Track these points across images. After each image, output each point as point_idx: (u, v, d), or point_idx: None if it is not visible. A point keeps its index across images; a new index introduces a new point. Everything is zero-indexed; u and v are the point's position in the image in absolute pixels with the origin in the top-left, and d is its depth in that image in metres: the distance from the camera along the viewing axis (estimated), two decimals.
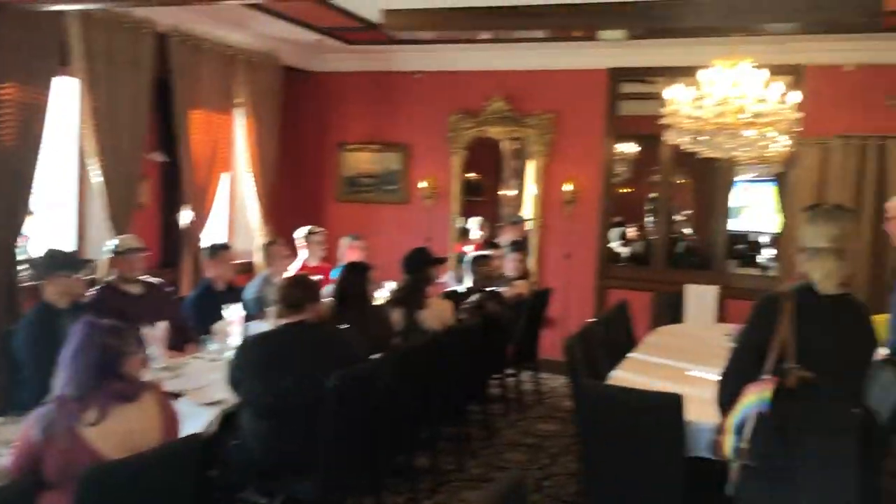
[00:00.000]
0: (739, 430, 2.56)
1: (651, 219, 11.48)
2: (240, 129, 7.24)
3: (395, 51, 7.75)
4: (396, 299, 4.57)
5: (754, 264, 9.19)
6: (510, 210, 9.79)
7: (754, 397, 2.55)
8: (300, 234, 6.34)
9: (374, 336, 4.03)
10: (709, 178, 7.33)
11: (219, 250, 5.28)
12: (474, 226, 8.69)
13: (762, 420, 2.52)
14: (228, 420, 3.40)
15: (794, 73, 6.74)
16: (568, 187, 7.49)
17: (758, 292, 6.70)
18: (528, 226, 7.75)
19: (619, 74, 7.36)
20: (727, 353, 2.84)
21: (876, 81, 6.53)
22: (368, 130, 8.20)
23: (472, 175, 9.75)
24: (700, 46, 6.24)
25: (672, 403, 3.19)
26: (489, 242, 6.73)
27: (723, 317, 6.89)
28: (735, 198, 11.60)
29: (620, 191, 11.62)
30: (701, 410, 3.53)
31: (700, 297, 6.01)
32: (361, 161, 8.21)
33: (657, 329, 5.84)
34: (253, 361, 3.38)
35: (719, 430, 2.65)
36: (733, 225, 12.68)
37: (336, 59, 8.07)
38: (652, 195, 11.86)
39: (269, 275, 5.58)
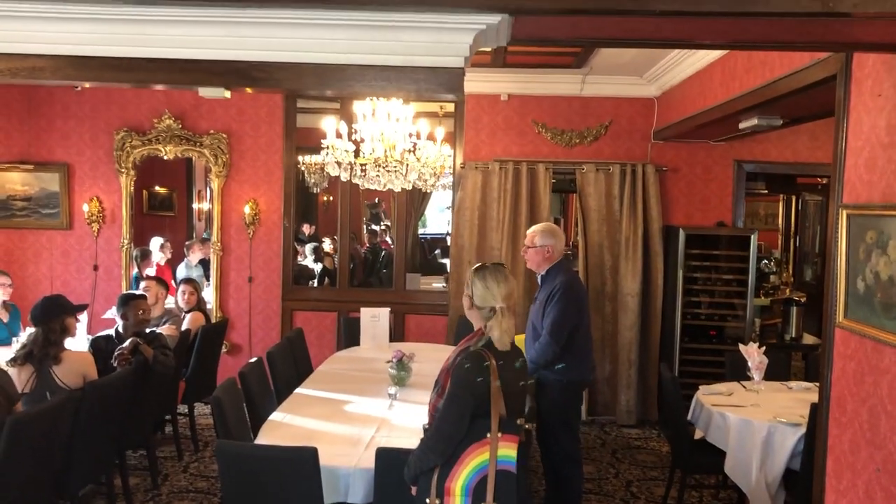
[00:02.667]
0: (475, 492, 2.58)
1: (373, 228, 11.59)
2: None
3: None
4: (22, 356, 4.06)
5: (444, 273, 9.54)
6: (202, 226, 9.34)
7: (485, 457, 2.59)
8: None
9: None
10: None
11: None
12: (155, 247, 8.16)
13: (509, 478, 2.57)
14: None
15: (456, 101, 7.18)
16: (248, 209, 7.28)
17: (436, 307, 7.12)
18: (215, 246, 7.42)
19: (298, 95, 7.31)
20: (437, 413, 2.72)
21: (526, 110, 7.17)
22: (19, 148, 7.30)
23: (160, 189, 9.16)
24: None
25: (308, 457, 3.16)
26: (145, 277, 6.29)
27: (402, 335, 7.18)
28: (434, 205, 12.10)
29: (324, 199, 11.62)
30: (347, 454, 3.59)
31: (374, 319, 6.13)
32: (12, 181, 7.28)
33: (332, 356, 5.87)
34: None
35: (440, 492, 2.62)
36: (433, 230, 13.25)
37: None
38: (367, 203, 11.99)
39: None
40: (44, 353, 4.08)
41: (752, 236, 6.69)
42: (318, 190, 10.87)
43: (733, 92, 4.83)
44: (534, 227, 4.68)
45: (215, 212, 7.37)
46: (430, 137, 5.17)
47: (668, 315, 6.95)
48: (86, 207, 7.26)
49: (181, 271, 8.52)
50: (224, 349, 7.11)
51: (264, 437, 3.80)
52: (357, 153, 5.03)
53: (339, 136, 4.94)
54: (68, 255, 7.39)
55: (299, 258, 9.14)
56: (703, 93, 5.53)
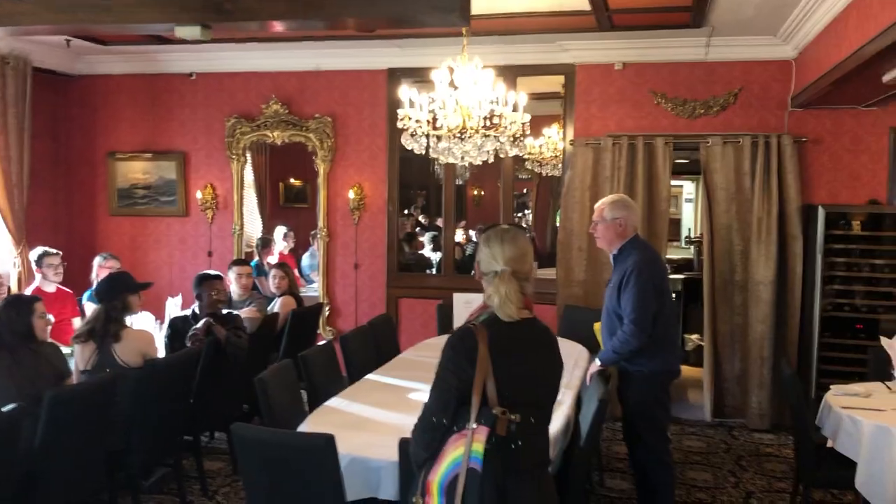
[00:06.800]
0: (448, 491, 2.23)
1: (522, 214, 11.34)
2: None
3: (164, 52, 7.17)
4: (85, 332, 4.06)
5: None
6: None
7: (461, 451, 2.23)
8: (33, 256, 5.68)
9: (32, 380, 3.53)
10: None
11: None
12: (279, 236, 8.26)
13: (474, 477, 2.20)
14: None
15: (566, 73, 6.67)
16: (353, 193, 7.15)
17: (544, 296, 6.63)
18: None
19: (400, 74, 7.08)
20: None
21: (642, 79, 6.53)
22: (141, 138, 7.59)
23: (295, 182, 9.31)
24: (474, 46, 5.97)
25: (323, 446, 2.86)
26: (237, 261, 6.25)
27: None
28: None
29: (474, 193, 11.45)
30: (387, 444, 3.25)
31: (468, 305, 5.77)
32: (134, 170, 7.58)
33: (420, 343, 5.58)
34: None
35: (423, 490, 2.29)
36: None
37: (99, 60, 7.41)
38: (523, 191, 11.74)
39: None
40: (105, 330, 4.06)
41: None
42: (463, 182, 10.63)
43: (868, 35, 4.04)
44: (602, 200, 4.16)
45: (321, 197, 7.29)
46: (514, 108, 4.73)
47: (808, 306, 6.08)
48: (199, 195, 7.41)
49: (306, 260, 8.60)
50: (330, 335, 7.02)
51: (309, 424, 3.55)
52: (434, 124, 4.69)
53: (412, 105, 4.62)
54: (185, 241, 7.59)
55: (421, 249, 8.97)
56: (838, 43, 4.71)
